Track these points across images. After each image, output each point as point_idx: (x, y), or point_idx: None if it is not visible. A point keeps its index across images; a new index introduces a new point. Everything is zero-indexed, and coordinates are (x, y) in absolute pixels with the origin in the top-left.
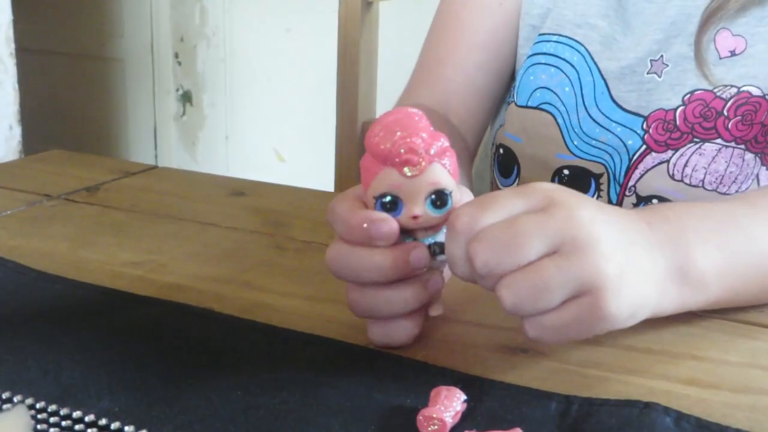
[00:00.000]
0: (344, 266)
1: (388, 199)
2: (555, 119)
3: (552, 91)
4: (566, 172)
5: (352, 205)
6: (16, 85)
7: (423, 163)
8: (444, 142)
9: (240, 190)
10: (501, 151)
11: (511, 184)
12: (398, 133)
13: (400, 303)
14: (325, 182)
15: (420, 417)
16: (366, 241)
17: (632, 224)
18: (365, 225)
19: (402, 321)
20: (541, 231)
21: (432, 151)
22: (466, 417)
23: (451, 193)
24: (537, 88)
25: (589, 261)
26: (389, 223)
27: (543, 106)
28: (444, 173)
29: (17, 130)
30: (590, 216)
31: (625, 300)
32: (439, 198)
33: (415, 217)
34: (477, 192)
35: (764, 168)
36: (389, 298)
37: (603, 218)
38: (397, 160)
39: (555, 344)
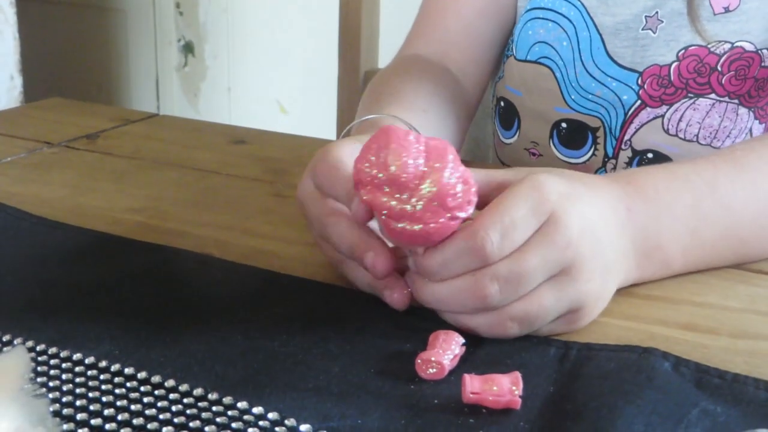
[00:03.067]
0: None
1: None
2: (553, 73)
3: (550, 45)
4: (564, 125)
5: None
6: (17, 35)
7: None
8: (442, 165)
9: (241, 138)
10: (502, 104)
11: (513, 137)
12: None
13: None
14: (327, 133)
15: (418, 360)
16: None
17: (613, 216)
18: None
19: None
20: (544, 264)
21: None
22: (464, 361)
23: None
24: (536, 43)
25: (580, 288)
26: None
27: (541, 60)
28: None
29: (18, 80)
30: (583, 235)
31: (599, 309)
32: None
33: None
34: (473, 140)
35: (757, 122)
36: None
37: (593, 231)
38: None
39: None
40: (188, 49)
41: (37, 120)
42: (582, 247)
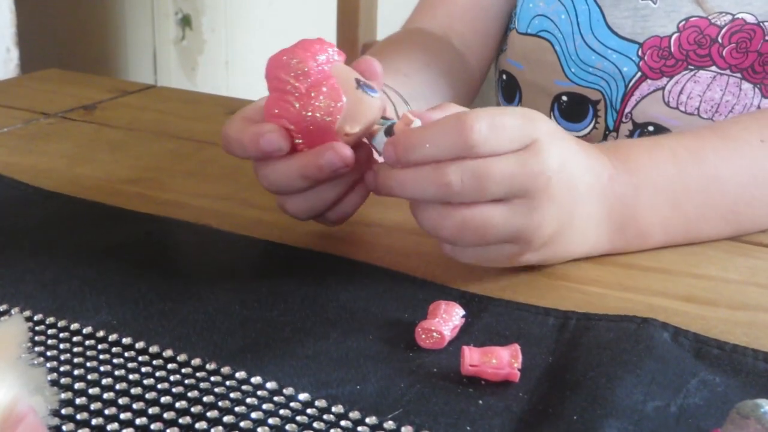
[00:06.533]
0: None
1: None
2: (553, 46)
3: (549, 18)
4: (564, 98)
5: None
6: (13, 7)
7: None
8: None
9: (238, 109)
10: (504, 77)
11: None
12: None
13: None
14: None
15: (419, 329)
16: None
17: (593, 180)
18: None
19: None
20: (510, 179)
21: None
22: (464, 332)
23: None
24: (535, 16)
25: (533, 220)
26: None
27: (541, 34)
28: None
29: (15, 53)
30: (557, 175)
31: (546, 254)
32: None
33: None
34: None
35: (766, 100)
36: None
37: (567, 178)
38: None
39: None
40: (186, 22)
41: (34, 91)
42: (551, 186)
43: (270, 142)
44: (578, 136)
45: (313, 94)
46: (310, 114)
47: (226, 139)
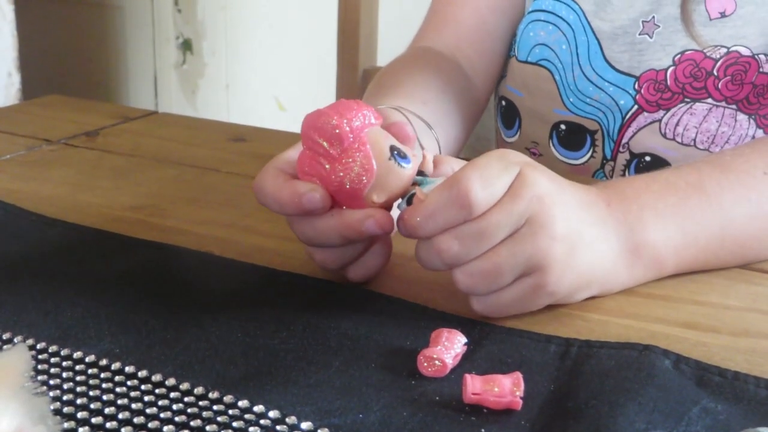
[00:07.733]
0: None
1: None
2: (552, 76)
3: (550, 48)
4: (563, 127)
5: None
6: (15, 32)
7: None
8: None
9: (240, 135)
10: (503, 103)
11: (514, 136)
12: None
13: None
14: None
15: (421, 357)
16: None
17: (590, 204)
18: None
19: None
20: (508, 217)
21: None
22: (465, 360)
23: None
24: (536, 45)
25: (539, 242)
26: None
27: (541, 63)
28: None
29: (16, 78)
30: (550, 195)
31: (568, 280)
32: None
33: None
34: (474, 135)
35: (761, 131)
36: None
37: (562, 199)
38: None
39: (500, 317)
40: (186, 46)
41: (36, 117)
42: (547, 205)
43: (312, 201)
44: (576, 165)
45: (346, 161)
46: (340, 179)
47: (261, 192)
